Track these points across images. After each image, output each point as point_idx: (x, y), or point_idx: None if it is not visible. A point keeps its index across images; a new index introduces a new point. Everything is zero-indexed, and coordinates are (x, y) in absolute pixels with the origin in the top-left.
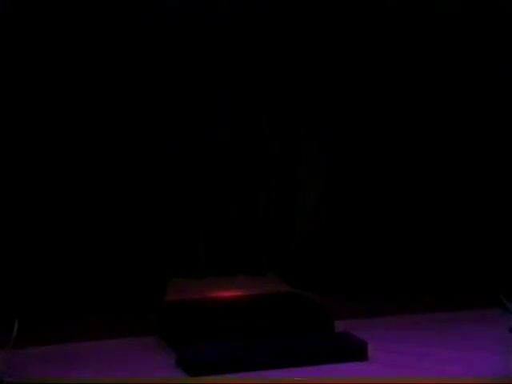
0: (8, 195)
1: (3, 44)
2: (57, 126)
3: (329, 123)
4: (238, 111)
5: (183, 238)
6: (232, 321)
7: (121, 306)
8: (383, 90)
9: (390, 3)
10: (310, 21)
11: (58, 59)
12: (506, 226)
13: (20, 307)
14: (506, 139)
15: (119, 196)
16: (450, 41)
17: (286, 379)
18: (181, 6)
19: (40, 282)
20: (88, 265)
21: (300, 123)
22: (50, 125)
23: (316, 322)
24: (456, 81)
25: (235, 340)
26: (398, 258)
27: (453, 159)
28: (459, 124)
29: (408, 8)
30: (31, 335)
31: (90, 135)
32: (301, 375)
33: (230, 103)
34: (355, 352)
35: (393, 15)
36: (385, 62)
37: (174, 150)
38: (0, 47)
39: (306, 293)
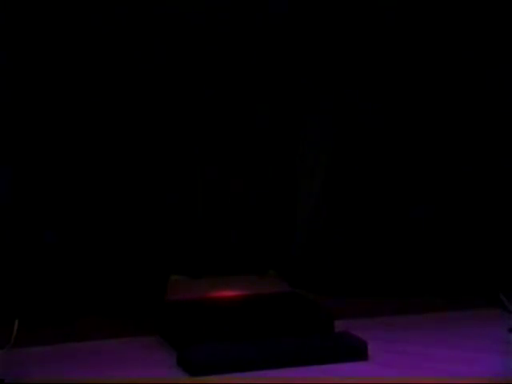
0: (8, 195)
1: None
2: (54, 125)
3: (329, 121)
4: (237, 110)
5: (183, 237)
6: (232, 321)
7: (121, 306)
8: (384, 88)
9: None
10: (308, 18)
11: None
12: (506, 225)
13: (20, 307)
14: (507, 140)
15: (120, 195)
16: (450, 38)
17: (286, 379)
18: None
19: (40, 282)
20: (88, 264)
21: (300, 122)
22: (49, 124)
23: (316, 321)
24: (456, 76)
25: (235, 340)
26: (398, 257)
27: (453, 158)
28: (459, 121)
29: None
30: (31, 335)
31: (89, 133)
32: (301, 375)
33: (230, 102)
34: (355, 352)
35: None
36: (384, 57)
37: (174, 149)
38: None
39: (306, 293)
